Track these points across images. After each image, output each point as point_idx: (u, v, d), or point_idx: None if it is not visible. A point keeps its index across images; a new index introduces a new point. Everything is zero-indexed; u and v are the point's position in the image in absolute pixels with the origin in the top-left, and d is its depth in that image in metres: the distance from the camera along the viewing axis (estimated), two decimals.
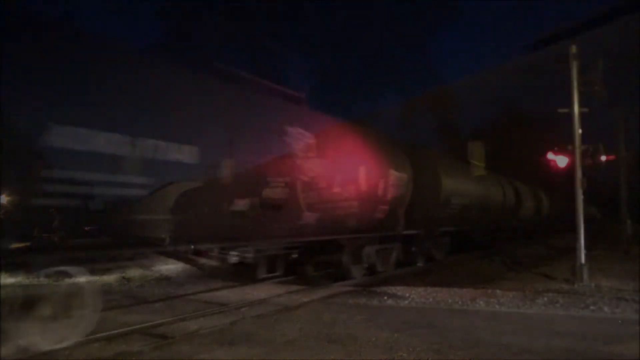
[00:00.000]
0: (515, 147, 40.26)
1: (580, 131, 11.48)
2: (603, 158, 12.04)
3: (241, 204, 7.71)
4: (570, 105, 11.49)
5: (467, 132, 48.65)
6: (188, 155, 6.79)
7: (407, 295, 9.18)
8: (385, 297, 8.95)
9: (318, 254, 11.27)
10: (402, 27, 25.85)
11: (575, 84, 11.35)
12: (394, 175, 12.39)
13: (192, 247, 7.66)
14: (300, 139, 9.08)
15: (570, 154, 11.66)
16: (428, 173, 14.11)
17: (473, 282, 11.63)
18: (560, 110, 11.74)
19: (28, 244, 5.33)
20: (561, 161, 12.52)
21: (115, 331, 6.73)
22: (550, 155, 13.01)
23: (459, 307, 8.09)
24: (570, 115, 11.49)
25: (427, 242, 15.03)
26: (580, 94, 11.41)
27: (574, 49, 11.40)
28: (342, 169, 10.44)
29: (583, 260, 10.91)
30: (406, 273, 13.54)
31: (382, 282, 11.27)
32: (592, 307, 7.97)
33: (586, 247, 11.27)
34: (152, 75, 6.98)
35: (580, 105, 11.45)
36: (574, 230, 11.72)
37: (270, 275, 10.03)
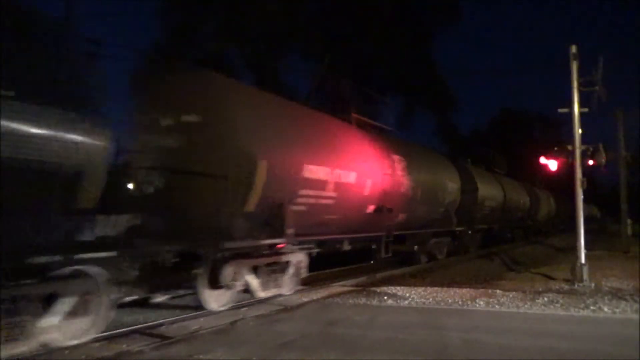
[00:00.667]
0: (524, 148, 40.36)
1: (580, 131, 11.48)
2: (603, 158, 12.05)
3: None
4: (570, 105, 11.49)
5: (479, 136, 48.80)
6: None
7: (407, 295, 9.18)
8: (385, 297, 8.95)
9: (397, 244, 13.66)
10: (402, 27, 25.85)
11: (575, 84, 11.34)
12: (450, 184, 16.38)
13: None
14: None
15: (570, 154, 11.65)
16: (468, 181, 17.85)
17: (473, 282, 11.64)
18: (561, 111, 11.74)
19: None
20: (552, 165, 12.82)
21: (115, 331, 6.74)
22: (542, 160, 13.15)
23: (459, 307, 8.09)
24: (570, 115, 11.48)
25: (467, 237, 18.60)
26: (580, 94, 11.42)
27: (574, 48, 11.40)
28: (428, 181, 14.52)
29: (583, 260, 10.90)
30: (406, 273, 13.56)
31: (382, 282, 11.28)
32: (592, 307, 7.97)
33: (586, 247, 11.26)
34: None
35: (580, 105, 11.46)
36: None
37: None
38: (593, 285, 10.51)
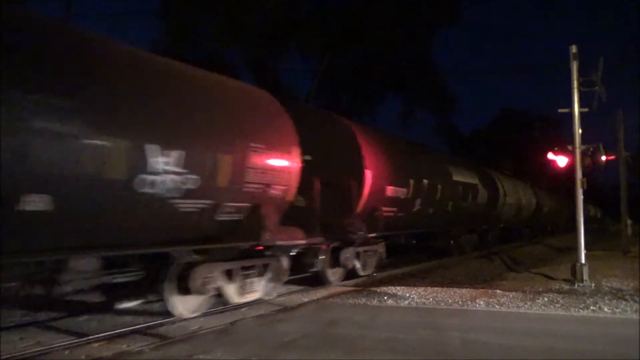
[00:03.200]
0: (524, 148, 40.42)
1: (580, 131, 11.48)
2: (603, 158, 12.05)
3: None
4: (570, 105, 11.48)
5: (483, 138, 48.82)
6: None
7: (407, 295, 9.17)
8: (385, 297, 8.94)
9: (430, 240, 16.98)
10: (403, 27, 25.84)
11: (575, 84, 11.34)
12: (481, 189, 19.39)
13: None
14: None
15: (570, 154, 11.66)
16: (491, 184, 20.87)
17: (473, 282, 11.64)
18: (561, 111, 11.74)
19: None
20: (561, 161, 12.72)
21: (115, 331, 6.74)
22: (550, 156, 13.11)
23: (459, 307, 8.08)
24: (570, 115, 11.48)
25: (489, 234, 21.62)
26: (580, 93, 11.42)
27: (574, 48, 11.40)
28: (465, 187, 17.64)
29: (583, 260, 10.90)
30: (406, 273, 13.56)
31: (382, 282, 11.27)
32: (592, 307, 7.97)
33: (586, 247, 11.26)
34: None
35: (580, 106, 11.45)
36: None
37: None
38: (593, 285, 10.51)
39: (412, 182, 13.43)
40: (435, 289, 9.98)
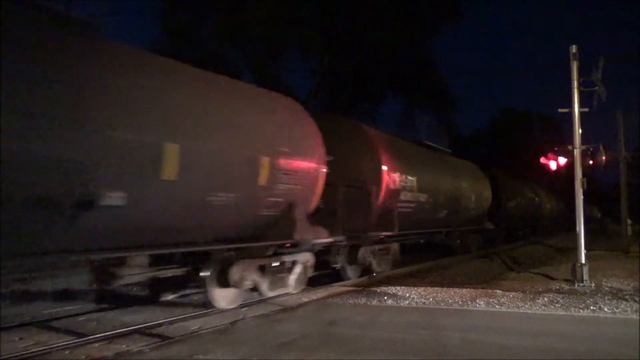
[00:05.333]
0: (524, 148, 40.41)
1: (580, 131, 11.48)
2: (603, 158, 12.06)
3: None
4: (570, 105, 11.48)
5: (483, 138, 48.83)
6: None
7: (407, 295, 9.17)
8: (385, 297, 8.94)
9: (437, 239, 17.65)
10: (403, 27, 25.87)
11: (575, 84, 11.34)
12: (487, 191, 20.90)
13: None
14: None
15: (570, 154, 11.66)
16: (496, 187, 21.89)
17: (473, 282, 11.64)
18: (561, 110, 11.74)
19: None
20: (553, 164, 12.85)
21: (115, 331, 6.74)
22: (543, 160, 13.18)
23: (459, 307, 8.08)
24: (570, 115, 11.49)
25: (495, 233, 22.71)
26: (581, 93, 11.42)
27: (574, 48, 11.40)
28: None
29: (583, 260, 10.90)
30: (406, 273, 13.56)
31: (382, 282, 11.27)
32: (592, 307, 7.97)
33: (586, 247, 11.26)
34: None
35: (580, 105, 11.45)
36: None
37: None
38: (593, 285, 10.51)
39: (424, 184, 14.40)
40: (435, 289, 9.98)
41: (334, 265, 11.39)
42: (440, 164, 16.89)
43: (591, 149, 11.79)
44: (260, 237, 8.59)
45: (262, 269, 8.73)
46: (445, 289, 9.99)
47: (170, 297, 8.76)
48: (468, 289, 9.87)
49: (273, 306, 8.42)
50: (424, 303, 8.55)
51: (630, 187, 21.65)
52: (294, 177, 8.76)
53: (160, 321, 7.37)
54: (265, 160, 8.05)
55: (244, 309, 8.26)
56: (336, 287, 10.52)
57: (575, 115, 11.40)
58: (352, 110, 28.20)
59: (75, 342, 6.23)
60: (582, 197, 11.37)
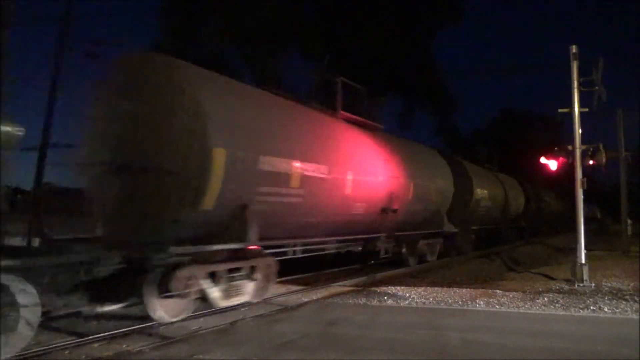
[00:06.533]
0: (524, 148, 40.37)
1: (580, 131, 11.47)
2: (603, 158, 12.05)
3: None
4: (570, 105, 11.48)
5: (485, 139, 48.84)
6: None
7: (407, 295, 9.18)
8: (385, 297, 8.95)
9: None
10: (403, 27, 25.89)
11: (575, 84, 11.34)
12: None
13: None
14: None
15: (570, 154, 11.65)
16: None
17: (473, 282, 11.64)
18: (561, 111, 11.74)
19: None
20: (553, 164, 12.89)
21: (115, 331, 6.74)
22: (543, 160, 13.18)
23: (459, 307, 8.09)
24: (570, 115, 11.49)
25: (508, 232, 24.75)
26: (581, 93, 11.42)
27: (574, 48, 11.40)
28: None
29: (583, 260, 10.90)
30: (406, 273, 13.55)
31: (382, 282, 11.27)
32: (592, 307, 7.97)
33: (586, 247, 11.26)
34: None
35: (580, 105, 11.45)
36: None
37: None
38: (593, 285, 10.51)
39: (491, 194, 17.75)
40: (435, 289, 9.98)
41: (399, 257, 13.86)
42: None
43: (591, 149, 11.78)
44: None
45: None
46: (445, 289, 9.99)
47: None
48: (468, 289, 9.87)
49: (273, 306, 8.42)
50: (424, 303, 8.55)
51: (630, 187, 21.61)
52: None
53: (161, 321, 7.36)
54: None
55: (244, 309, 8.26)
56: (336, 287, 10.52)
57: (575, 115, 11.40)
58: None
59: (75, 342, 6.22)
60: (582, 197, 11.37)
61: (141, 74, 7.51)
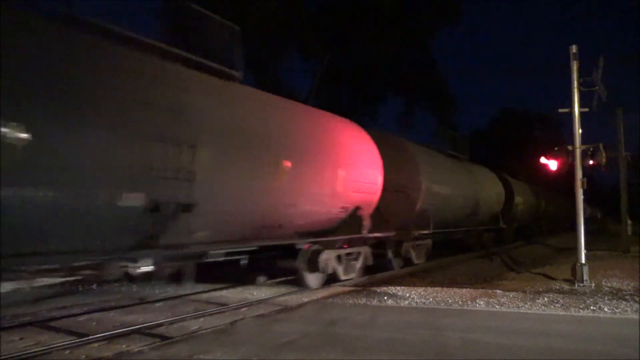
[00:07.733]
0: (524, 148, 40.39)
1: (580, 131, 11.47)
2: (603, 158, 12.04)
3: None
4: (570, 105, 11.48)
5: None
6: None
7: (407, 295, 9.18)
8: (385, 297, 8.95)
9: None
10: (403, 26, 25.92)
11: (575, 84, 11.33)
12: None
13: None
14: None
15: (570, 154, 11.64)
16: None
17: (473, 282, 11.64)
18: (561, 111, 11.73)
19: None
20: (553, 164, 12.90)
21: (115, 331, 6.74)
22: (543, 160, 13.18)
23: (459, 307, 8.08)
24: (570, 115, 11.48)
25: (508, 231, 24.79)
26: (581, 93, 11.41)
27: (574, 48, 11.39)
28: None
29: (583, 260, 10.90)
30: (406, 273, 13.57)
31: (382, 282, 11.28)
32: (592, 307, 7.97)
33: (586, 247, 11.26)
34: None
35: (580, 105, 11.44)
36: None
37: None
38: (593, 285, 10.51)
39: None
40: (435, 289, 9.98)
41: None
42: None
43: (591, 149, 11.78)
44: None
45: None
46: (445, 289, 9.99)
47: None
48: (468, 289, 9.87)
49: (273, 306, 8.43)
50: (424, 303, 8.55)
51: (630, 187, 21.60)
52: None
53: (160, 321, 7.37)
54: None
55: (243, 309, 8.26)
56: (336, 287, 10.53)
57: (575, 115, 11.40)
58: (352, 110, 28.15)
59: (75, 342, 6.23)
60: (582, 197, 11.37)
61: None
